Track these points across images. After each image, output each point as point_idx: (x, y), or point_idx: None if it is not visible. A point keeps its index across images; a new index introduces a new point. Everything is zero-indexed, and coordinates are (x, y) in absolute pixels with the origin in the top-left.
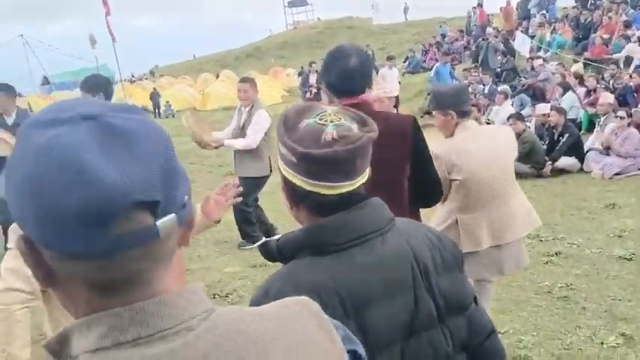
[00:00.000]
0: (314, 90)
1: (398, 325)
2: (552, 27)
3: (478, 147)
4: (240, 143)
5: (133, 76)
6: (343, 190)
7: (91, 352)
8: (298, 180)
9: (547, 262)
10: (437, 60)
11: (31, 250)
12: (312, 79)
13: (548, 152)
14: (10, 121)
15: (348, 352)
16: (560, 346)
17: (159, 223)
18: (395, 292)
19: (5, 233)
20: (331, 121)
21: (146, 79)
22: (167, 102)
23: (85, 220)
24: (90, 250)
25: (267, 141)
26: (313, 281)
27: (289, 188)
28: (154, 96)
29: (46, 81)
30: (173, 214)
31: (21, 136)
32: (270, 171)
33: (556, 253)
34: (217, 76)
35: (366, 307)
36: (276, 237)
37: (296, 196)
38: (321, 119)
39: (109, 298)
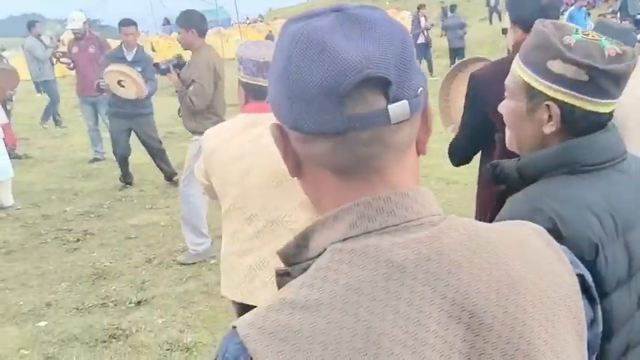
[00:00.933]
0: (425, 33)
1: None
2: None
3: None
4: None
5: (247, 19)
6: (613, 108)
7: (340, 242)
8: (579, 101)
9: None
10: (567, 4)
11: (282, 137)
12: (423, 22)
13: None
14: (130, 56)
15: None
16: None
17: (390, 107)
18: None
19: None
20: (598, 37)
21: (260, 21)
22: None
23: (323, 95)
24: (325, 126)
25: None
26: (589, 198)
27: (562, 112)
28: (269, 38)
29: (166, 22)
30: (405, 101)
31: (281, 30)
32: None
33: None
34: None
35: (632, 228)
36: None
37: (567, 118)
38: (586, 35)
39: (350, 185)
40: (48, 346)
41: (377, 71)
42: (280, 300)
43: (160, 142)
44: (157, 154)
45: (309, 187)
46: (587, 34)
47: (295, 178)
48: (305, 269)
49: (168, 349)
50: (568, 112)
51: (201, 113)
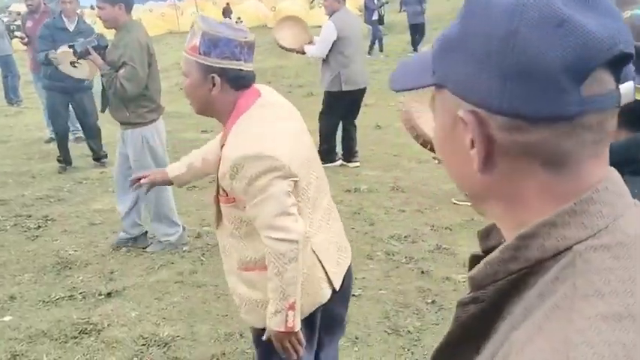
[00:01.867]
0: (379, 10)
1: None
2: None
3: None
4: (310, 51)
5: None
6: None
7: (591, 238)
8: None
9: None
10: None
11: (479, 124)
12: None
13: None
14: (71, 27)
15: None
16: None
17: (621, 87)
18: None
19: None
20: None
21: None
22: (238, 18)
23: (562, 73)
24: (556, 110)
25: (336, 54)
26: None
27: None
28: (227, 11)
29: None
30: (632, 81)
31: (479, 2)
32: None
33: None
34: None
35: None
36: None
37: None
38: None
39: (568, 176)
40: (15, 343)
41: (628, 47)
42: (596, 316)
43: (97, 119)
44: (91, 132)
45: (500, 181)
46: None
47: (478, 172)
48: (501, 288)
49: (144, 345)
50: None
51: (134, 101)
